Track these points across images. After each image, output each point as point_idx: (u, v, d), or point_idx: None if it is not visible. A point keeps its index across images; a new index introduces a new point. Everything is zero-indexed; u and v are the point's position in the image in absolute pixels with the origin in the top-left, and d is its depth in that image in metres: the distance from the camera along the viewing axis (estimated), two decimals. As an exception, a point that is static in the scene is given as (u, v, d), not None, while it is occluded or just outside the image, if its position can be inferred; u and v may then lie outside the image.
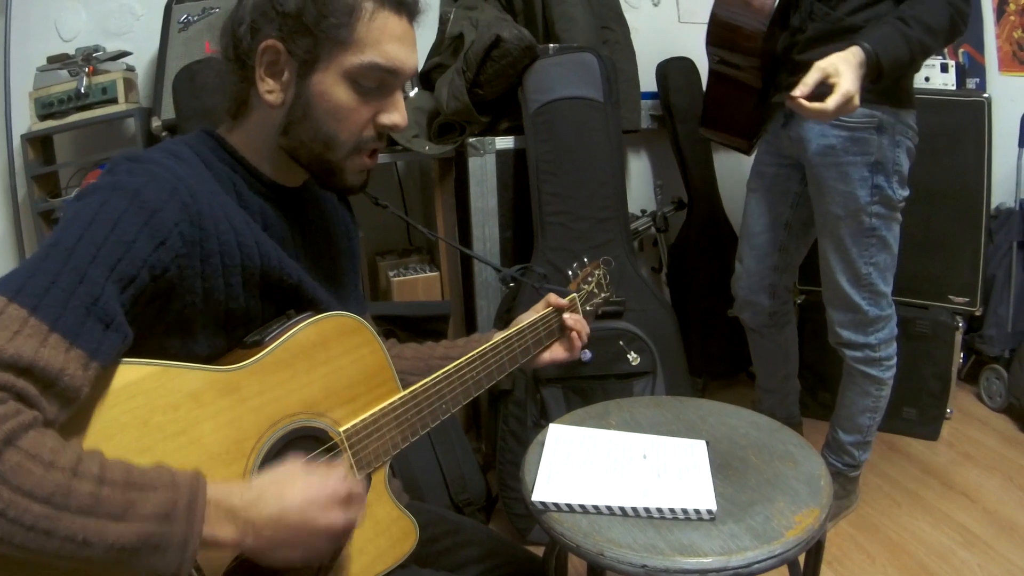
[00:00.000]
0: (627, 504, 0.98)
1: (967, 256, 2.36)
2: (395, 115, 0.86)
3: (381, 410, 0.88)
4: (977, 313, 2.40)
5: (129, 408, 0.68)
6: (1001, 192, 2.60)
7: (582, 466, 1.08)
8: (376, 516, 0.90)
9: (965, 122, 2.32)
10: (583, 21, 2.23)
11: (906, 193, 1.71)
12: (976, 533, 1.89)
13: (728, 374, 2.74)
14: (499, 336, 1.08)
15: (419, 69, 2.24)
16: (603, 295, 1.32)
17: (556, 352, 1.16)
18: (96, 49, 2.05)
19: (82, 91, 2.00)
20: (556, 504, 1.00)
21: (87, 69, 2.01)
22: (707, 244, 2.63)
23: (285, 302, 0.87)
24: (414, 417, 0.92)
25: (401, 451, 0.91)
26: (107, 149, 2.18)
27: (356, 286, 1.05)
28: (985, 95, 2.33)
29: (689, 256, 2.63)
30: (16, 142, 2.12)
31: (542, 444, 1.15)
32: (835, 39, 1.58)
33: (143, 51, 2.20)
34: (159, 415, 0.70)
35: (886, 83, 1.47)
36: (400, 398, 0.91)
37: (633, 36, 2.47)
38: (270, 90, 0.82)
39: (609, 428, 1.21)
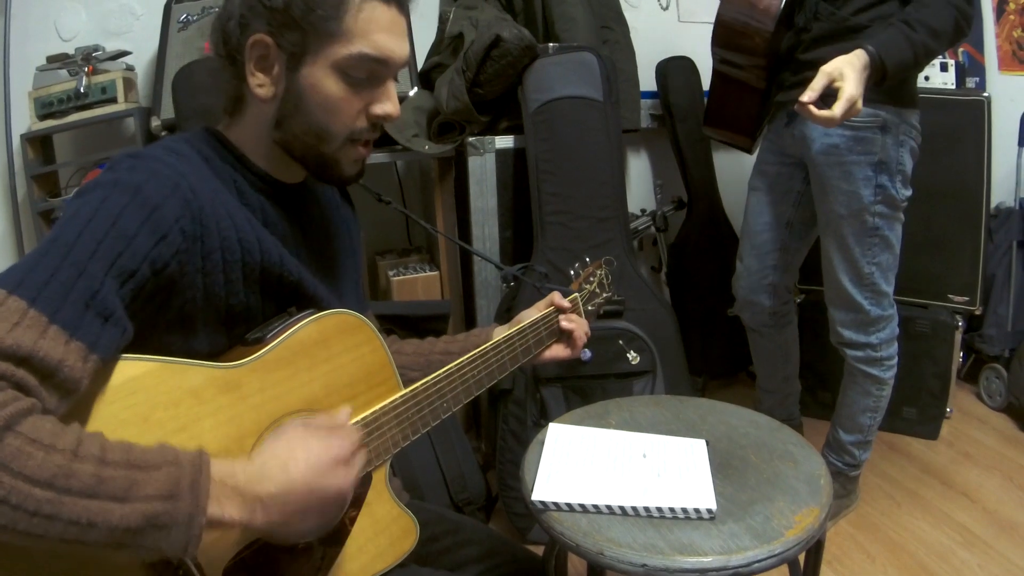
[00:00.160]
0: (627, 503, 0.98)
1: (967, 255, 2.36)
2: (387, 105, 0.85)
3: (382, 408, 0.88)
4: (977, 312, 2.40)
5: (129, 404, 0.68)
6: (1001, 191, 2.60)
7: (582, 465, 1.08)
8: (376, 514, 0.90)
9: (965, 121, 2.32)
10: (583, 20, 2.23)
11: (909, 193, 1.71)
12: (976, 533, 1.89)
13: (728, 373, 2.74)
14: (500, 333, 1.08)
15: (417, 65, 2.24)
16: (605, 295, 1.32)
17: (557, 350, 1.16)
18: (96, 49, 2.05)
19: (81, 91, 2.00)
20: (556, 503, 1.00)
21: (87, 69, 2.01)
22: (707, 243, 2.63)
23: (286, 299, 0.86)
24: (415, 415, 0.92)
25: (401, 450, 0.91)
26: (107, 149, 2.18)
27: (357, 284, 1.05)
28: (985, 94, 2.33)
29: (689, 255, 2.63)
30: (16, 142, 2.12)
31: (542, 443, 1.15)
32: (840, 39, 1.58)
33: (143, 51, 2.20)
34: (159, 411, 0.69)
35: (890, 85, 1.47)
36: (401, 396, 0.91)
37: (633, 35, 2.47)
38: (261, 84, 0.82)
39: (609, 427, 1.21)
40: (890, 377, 1.84)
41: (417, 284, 2.16)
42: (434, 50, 2.29)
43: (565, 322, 1.15)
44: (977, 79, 2.80)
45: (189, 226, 0.74)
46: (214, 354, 0.80)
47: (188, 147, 0.82)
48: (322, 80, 0.81)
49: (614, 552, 0.91)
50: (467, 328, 2.22)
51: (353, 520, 0.87)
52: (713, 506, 0.97)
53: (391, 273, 2.19)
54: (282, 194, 0.90)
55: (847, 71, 1.38)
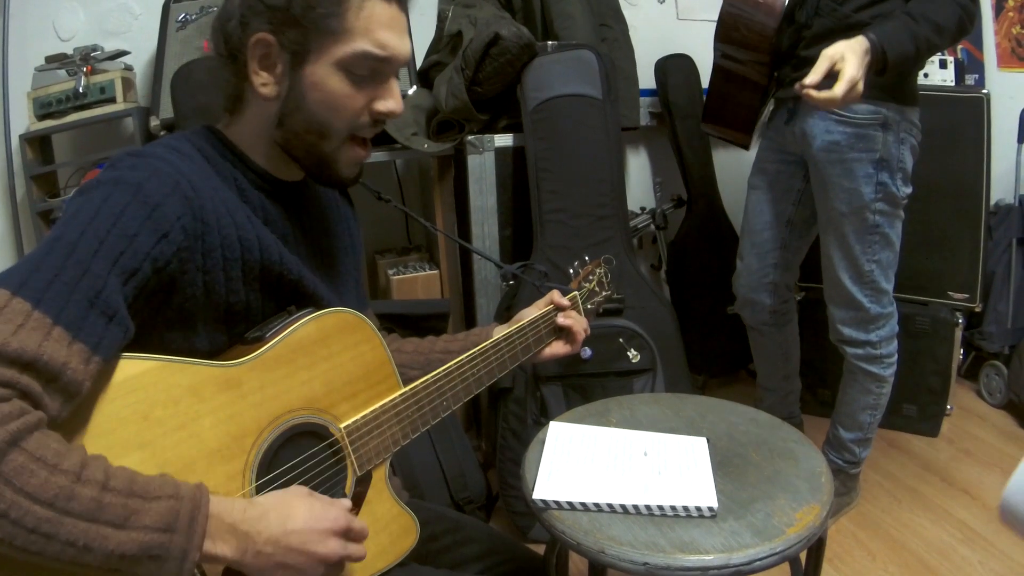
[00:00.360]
0: (628, 501, 0.98)
1: (966, 252, 2.36)
2: (390, 102, 0.85)
3: (382, 407, 0.88)
4: (977, 309, 2.40)
5: (129, 402, 0.68)
6: (1000, 188, 2.60)
7: (583, 464, 1.08)
8: (376, 513, 0.90)
9: (964, 118, 2.31)
10: (581, 18, 2.23)
11: (909, 190, 1.71)
12: (976, 530, 1.89)
13: (728, 371, 2.74)
14: (500, 332, 1.08)
15: (416, 64, 2.24)
16: (604, 293, 1.32)
17: (557, 348, 1.16)
18: (94, 49, 2.05)
19: (80, 91, 1.99)
20: (557, 502, 1.00)
21: (85, 69, 2.01)
22: (706, 241, 2.63)
23: (286, 298, 0.86)
24: (415, 414, 0.92)
25: (401, 448, 0.91)
26: (106, 149, 2.17)
27: (357, 282, 1.05)
28: (984, 91, 2.33)
29: (688, 253, 2.63)
30: (15, 142, 2.11)
31: (542, 442, 1.15)
32: (841, 35, 1.58)
33: (141, 50, 2.20)
34: (159, 409, 0.69)
35: (891, 77, 1.47)
36: (401, 395, 0.91)
37: (632, 33, 2.47)
38: (264, 83, 0.82)
39: (609, 425, 1.21)
40: (890, 375, 1.84)
41: (417, 283, 2.16)
42: (433, 48, 2.29)
43: (562, 318, 1.14)
44: (976, 76, 2.80)
45: (190, 224, 0.74)
46: (214, 352, 0.80)
47: (188, 145, 0.82)
48: (325, 78, 0.81)
49: (615, 550, 0.91)
50: (467, 327, 2.22)
51: (353, 519, 0.87)
52: (714, 504, 0.97)
53: (391, 272, 2.19)
54: (282, 192, 0.89)
55: (848, 54, 1.40)
